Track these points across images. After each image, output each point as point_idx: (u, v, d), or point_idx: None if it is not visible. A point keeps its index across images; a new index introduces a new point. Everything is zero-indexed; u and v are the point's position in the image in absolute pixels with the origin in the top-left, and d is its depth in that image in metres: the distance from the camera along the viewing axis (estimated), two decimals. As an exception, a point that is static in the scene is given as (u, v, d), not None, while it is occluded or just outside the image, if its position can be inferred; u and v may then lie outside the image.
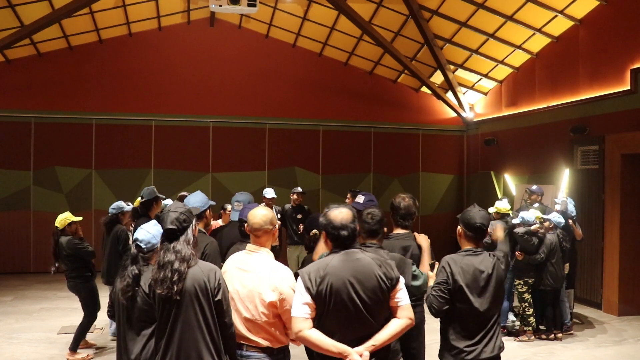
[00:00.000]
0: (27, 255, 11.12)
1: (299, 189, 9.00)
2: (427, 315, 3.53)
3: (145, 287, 2.97)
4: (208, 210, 4.10)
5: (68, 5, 9.10)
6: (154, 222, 3.32)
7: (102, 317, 6.42)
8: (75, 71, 11.42)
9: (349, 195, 7.08)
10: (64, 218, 6.01)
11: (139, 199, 5.90)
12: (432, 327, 3.83)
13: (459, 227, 3.34)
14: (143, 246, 3.13)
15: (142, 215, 5.67)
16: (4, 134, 11.06)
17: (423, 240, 3.91)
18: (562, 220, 6.96)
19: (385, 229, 3.61)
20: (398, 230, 3.98)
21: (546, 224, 6.89)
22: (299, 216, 8.63)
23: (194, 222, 2.96)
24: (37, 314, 7.84)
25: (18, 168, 11.12)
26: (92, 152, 11.49)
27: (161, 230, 3.20)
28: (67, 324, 7.19)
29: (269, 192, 8.78)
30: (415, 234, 3.98)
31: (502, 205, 7.36)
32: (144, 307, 3.00)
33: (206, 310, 2.78)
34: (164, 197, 6.03)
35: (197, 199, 4.02)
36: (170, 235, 2.83)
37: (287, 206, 8.92)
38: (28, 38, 10.05)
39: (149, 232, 3.17)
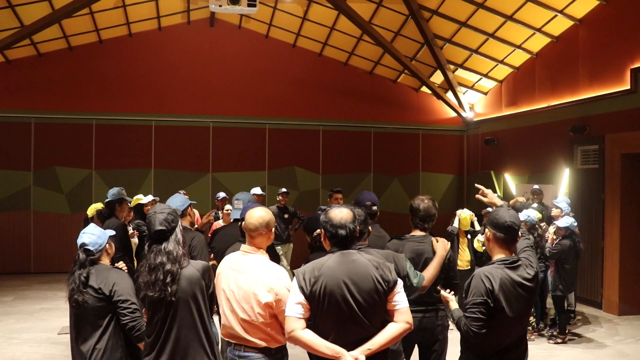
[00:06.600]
0: (28, 256, 11.13)
1: (284, 190, 9.26)
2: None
3: (97, 286, 3.06)
4: (189, 208, 4.22)
5: (68, 5, 9.10)
6: (92, 225, 3.41)
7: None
8: (75, 71, 11.42)
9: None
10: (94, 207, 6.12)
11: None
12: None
13: (486, 231, 3.02)
14: (92, 249, 3.18)
15: (106, 216, 5.63)
16: (4, 134, 11.07)
17: (441, 247, 3.67)
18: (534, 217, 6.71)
19: (371, 228, 3.56)
20: (415, 232, 3.83)
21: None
22: (286, 216, 9.01)
23: (179, 222, 2.99)
24: (38, 314, 7.85)
25: (18, 168, 11.12)
26: (92, 152, 11.50)
27: (104, 230, 3.33)
28: (67, 324, 7.17)
29: (256, 190, 8.90)
30: (434, 239, 3.75)
31: (463, 215, 6.93)
32: (97, 305, 3.10)
33: (202, 308, 2.81)
34: (130, 199, 5.99)
35: (176, 200, 4.16)
36: (160, 237, 2.83)
37: (273, 207, 8.99)
38: (28, 38, 10.05)
39: (92, 234, 3.23)
